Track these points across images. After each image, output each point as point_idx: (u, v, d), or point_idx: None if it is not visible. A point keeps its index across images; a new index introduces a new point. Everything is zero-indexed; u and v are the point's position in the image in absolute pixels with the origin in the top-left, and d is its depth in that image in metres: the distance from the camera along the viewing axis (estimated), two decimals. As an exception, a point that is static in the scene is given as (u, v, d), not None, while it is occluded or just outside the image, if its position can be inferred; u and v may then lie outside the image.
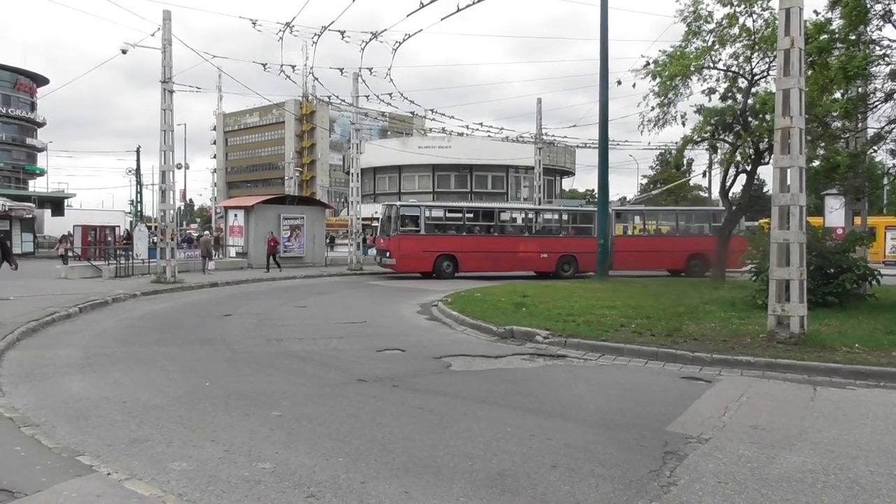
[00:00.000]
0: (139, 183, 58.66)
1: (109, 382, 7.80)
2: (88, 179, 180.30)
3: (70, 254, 34.05)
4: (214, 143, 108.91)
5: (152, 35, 20.35)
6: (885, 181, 16.88)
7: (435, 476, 4.79)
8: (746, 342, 10.09)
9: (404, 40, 16.97)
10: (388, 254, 24.27)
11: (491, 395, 7.41)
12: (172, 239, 21.85)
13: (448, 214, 26.73)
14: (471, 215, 26.33)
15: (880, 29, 13.98)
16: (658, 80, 18.85)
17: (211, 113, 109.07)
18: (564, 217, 28.14)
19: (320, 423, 6.15)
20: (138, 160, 59.28)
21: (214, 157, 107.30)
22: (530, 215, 27.82)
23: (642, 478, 4.83)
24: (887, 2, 13.34)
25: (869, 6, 13.29)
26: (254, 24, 18.06)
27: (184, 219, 60.88)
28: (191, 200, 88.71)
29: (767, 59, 18.31)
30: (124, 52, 20.19)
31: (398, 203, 25.86)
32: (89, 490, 4.36)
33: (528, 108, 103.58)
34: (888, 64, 13.93)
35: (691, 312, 13.22)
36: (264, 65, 20.24)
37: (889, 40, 13.96)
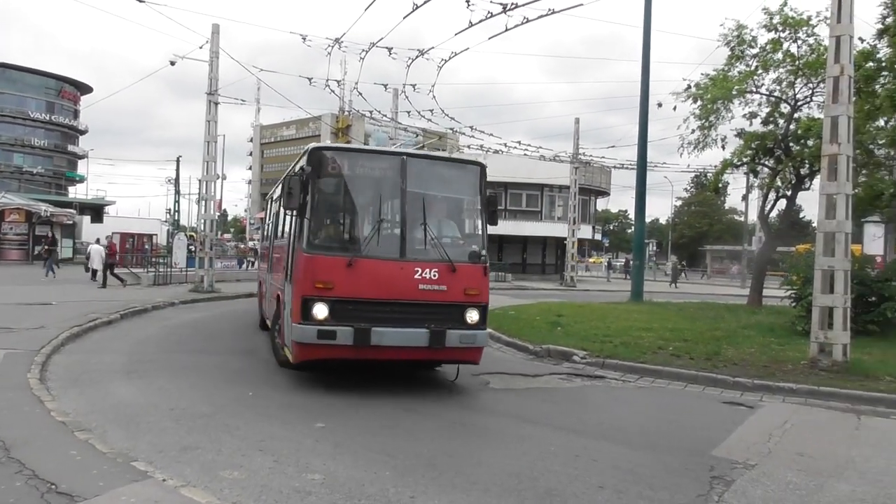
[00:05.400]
0: (177, 192, 59.86)
1: (155, 389, 7.97)
2: (128, 188, 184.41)
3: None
4: (250, 154, 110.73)
5: (200, 48, 20.86)
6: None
7: (483, 493, 4.83)
8: (787, 368, 9.96)
9: (450, 58, 17.07)
10: (473, 316, 8.12)
11: (532, 414, 7.43)
12: (211, 249, 22.24)
13: None
14: None
15: (927, 58, 13.87)
16: (699, 103, 18.80)
17: (248, 125, 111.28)
18: None
19: (365, 435, 6.23)
20: (178, 170, 60.72)
21: (250, 168, 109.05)
22: None
23: (691, 502, 4.82)
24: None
25: (918, 34, 13.21)
26: (304, 39, 18.32)
27: (218, 229, 62.10)
28: (225, 211, 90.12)
29: (811, 85, 18.18)
30: (173, 63, 20.68)
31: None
32: (147, 496, 4.47)
33: (563, 127, 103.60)
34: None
35: (729, 337, 13.08)
36: (310, 79, 20.49)
37: (937, 68, 13.82)
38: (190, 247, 30.54)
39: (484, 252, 8.33)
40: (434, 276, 7.83)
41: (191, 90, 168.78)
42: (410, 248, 7.93)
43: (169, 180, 62.35)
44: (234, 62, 37.32)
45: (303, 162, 8.16)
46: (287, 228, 9.42)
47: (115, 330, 13.01)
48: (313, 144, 8.23)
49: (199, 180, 23.41)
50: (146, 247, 38.92)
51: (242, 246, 47.03)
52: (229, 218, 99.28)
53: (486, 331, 8.27)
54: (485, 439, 6.29)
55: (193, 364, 9.68)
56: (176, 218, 59.85)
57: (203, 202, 22.82)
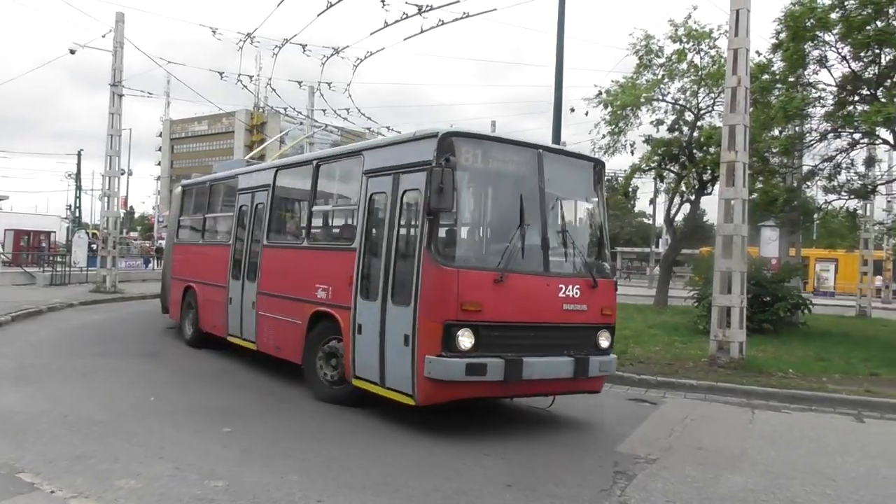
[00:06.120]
0: (79, 188, 56.75)
1: (47, 395, 7.48)
2: (23, 182, 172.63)
3: None
4: (160, 149, 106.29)
5: (103, 37, 19.91)
6: (817, 216, 17.81)
7: (391, 495, 4.80)
8: (689, 366, 10.43)
9: (366, 57, 17.01)
10: (606, 339, 7.21)
11: (441, 414, 7.44)
12: (115, 247, 21.20)
13: None
14: None
15: (816, 73, 14.95)
16: (609, 109, 19.47)
17: (157, 119, 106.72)
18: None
19: (274, 440, 6.08)
20: (79, 164, 57.42)
21: (159, 164, 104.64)
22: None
23: (594, 497, 4.95)
24: (823, 49, 14.21)
25: (807, 51, 14.14)
26: (214, 32, 17.82)
27: (124, 227, 59.29)
28: (132, 208, 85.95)
29: (712, 95, 19.16)
30: (73, 52, 19.64)
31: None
32: (33, 508, 4.20)
33: (481, 129, 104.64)
34: (823, 106, 14.81)
35: (636, 336, 13.58)
36: (221, 73, 19.89)
37: (825, 84, 14.88)
38: (92, 245, 29.02)
39: (611, 264, 7.56)
40: (576, 293, 6.74)
41: (95, 81, 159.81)
42: (552, 261, 6.78)
43: (69, 175, 59.05)
44: (141, 54, 35.64)
45: (428, 148, 6.45)
46: (365, 229, 7.30)
47: (5, 333, 12.18)
48: (443, 129, 6.57)
49: (103, 176, 22.24)
50: (43, 245, 36.59)
51: (148, 245, 45.08)
52: (136, 215, 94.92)
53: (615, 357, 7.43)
54: (395, 440, 6.25)
55: (92, 368, 9.18)
56: (77, 215, 56.73)
57: (106, 199, 21.73)
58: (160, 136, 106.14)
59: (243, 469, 5.20)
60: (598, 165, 7.78)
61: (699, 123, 19.98)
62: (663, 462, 5.89)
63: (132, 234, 66.01)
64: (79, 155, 57.52)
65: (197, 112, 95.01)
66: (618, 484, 5.25)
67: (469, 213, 6.99)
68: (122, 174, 36.07)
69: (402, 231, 6.76)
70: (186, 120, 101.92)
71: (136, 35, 73.24)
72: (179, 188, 13.50)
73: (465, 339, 6.10)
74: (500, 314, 6.28)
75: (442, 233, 6.38)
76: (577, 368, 6.67)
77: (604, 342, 7.05)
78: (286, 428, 6.55)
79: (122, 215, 27.27)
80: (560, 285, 6.66)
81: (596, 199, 7.63)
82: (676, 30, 18.86)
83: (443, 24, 12.78)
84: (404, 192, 6.78)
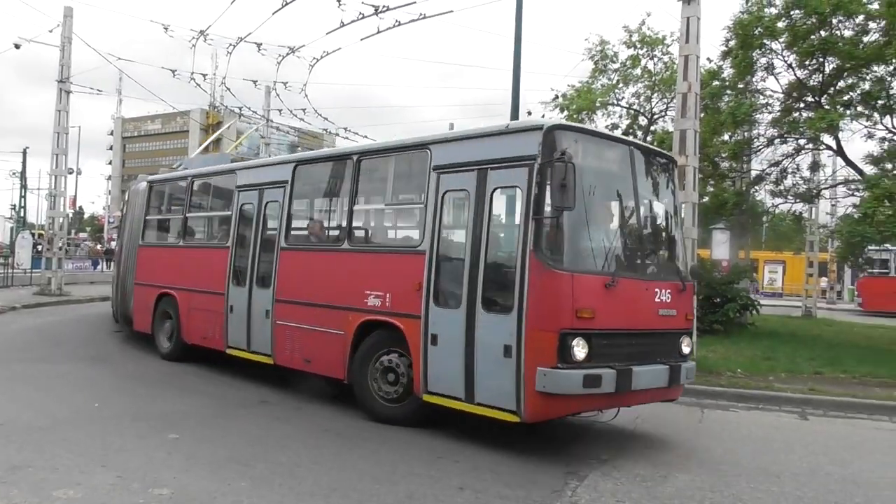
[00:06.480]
0: (24, 187, 54.86)
1: (-16, 402, 7.21)
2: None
3: None
4: (111, 148, 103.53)
5: (51, 31, 19.31)
6: (765, 219, 18.32)
7: (342, 499, 4.74)
8: (641, 367, 10.58)
9: (322, 57, 16.87)
10: (687, 346, 7.03)
11: (395, 417, 7.39)
12: (61, 248, 20.55)
13: None
14: None
15: (764, 80, 15.40)
16: (565, 112, 19.64)
17: (109, 117, 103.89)
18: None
19: (222, 445, 5.95)
20: (24, 162, 55.50)
21: (110, 163, 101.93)
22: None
23: (546, 498, 4.97)
24: (770, 56, 14.66)
25: (755, 59, 14.56)
26: (166, 29, 17.37)
27: (73, 227, 57.36)
28: (81, 208, 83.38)
29: (665, 100, 19.50)
30: (18, 46, 19.00)
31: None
32: (-37, 520, 4.02)
33: (440, 131, 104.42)
34: (770, 112, 15.27)
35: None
36: (173, 71, 19.31)
37: (772, 91, 15.35)
38: (38, 246, 28.09)
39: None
40: (668, 298, 6.46)
41: (42, 76, 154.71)
42: (647, 264, 6.66)
43: (14, 173, 57.01)
44: (92, 50, 34.48)
45: (530, 142, 5.98)
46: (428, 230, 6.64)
47: (-58, 338, 11.70)
48: (549, 122, 6.17)
49: (49, 174, 21.54)
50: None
51: (99, 246, 43.90)
52: (86, 216, 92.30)
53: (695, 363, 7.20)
54: (348, 444, 6.18)
55: (33, 374, 8.87)
56: (22, 215, 54.87)
57: (52, 198, 21.05)
58: (111, 134, 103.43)
59: (189, 476, 5.08)
60: (673, 163, 7.50)
61: (652, 128, 20.30)
62: (614, 462, 5.95)
63: (81, 234, 64.15)
64: (24, 153, 55.59)
65: (150, 110, 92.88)
66: (569, 485, 5.28)
67: (577, 211, 6.24)
68: (70, 173, 35.05)
69: (494, 232, 6.32)
70: (139, 118, 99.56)
71: (87, 31, 71.12)
72: (145, 184, 12.00)
73: (580, 350, 5.68)
74: (608, 321, 5.93)
75: (549, 234, 5.88)
76: (672, 376, 6.41)
77: (686, 348, 6.80)
78: (235, 433, 6.42)
79: (69, 215, 26.43)
80: (656, 290, 6.41)
81: (674, 198, 7.28)
82: (631, 36, 19.13)
83: (399, 24, 12.77)
84: (495, 189, 6.27)
